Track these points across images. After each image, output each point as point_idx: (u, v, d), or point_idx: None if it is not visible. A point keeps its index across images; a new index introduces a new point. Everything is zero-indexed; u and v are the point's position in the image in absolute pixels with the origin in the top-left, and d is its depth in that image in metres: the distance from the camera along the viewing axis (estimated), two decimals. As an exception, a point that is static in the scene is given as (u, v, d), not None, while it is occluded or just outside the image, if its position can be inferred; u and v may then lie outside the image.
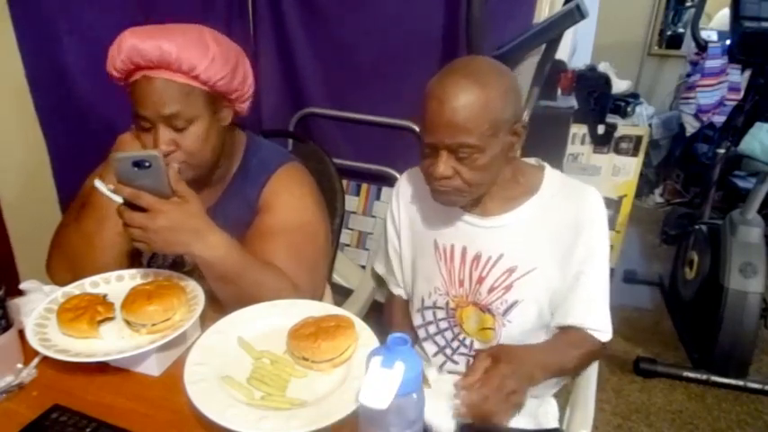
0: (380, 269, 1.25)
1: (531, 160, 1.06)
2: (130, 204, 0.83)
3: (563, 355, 0.99)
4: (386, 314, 1.25)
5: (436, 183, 0.92)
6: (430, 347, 1.10)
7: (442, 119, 0.85)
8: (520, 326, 1.01)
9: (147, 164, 0.80)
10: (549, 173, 1.02)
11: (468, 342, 1.06)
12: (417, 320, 1.11)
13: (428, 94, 0.88)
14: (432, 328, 1.09)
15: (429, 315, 1.09)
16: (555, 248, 0.97)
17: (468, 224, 1.02)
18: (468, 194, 0.94)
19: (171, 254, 1.08)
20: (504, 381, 0.84)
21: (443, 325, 1.07)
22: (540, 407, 1.09)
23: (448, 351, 1.08)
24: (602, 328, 1.00)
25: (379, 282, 1.31)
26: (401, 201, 1.13)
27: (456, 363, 1.07)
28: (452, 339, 1.07)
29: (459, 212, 1.03)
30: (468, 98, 0.84)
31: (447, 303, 1.05)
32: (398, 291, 1.19)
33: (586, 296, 0.99)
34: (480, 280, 1.01)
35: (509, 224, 0.99)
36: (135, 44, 0.89)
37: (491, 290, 1.00)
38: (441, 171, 0.89)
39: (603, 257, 0.99)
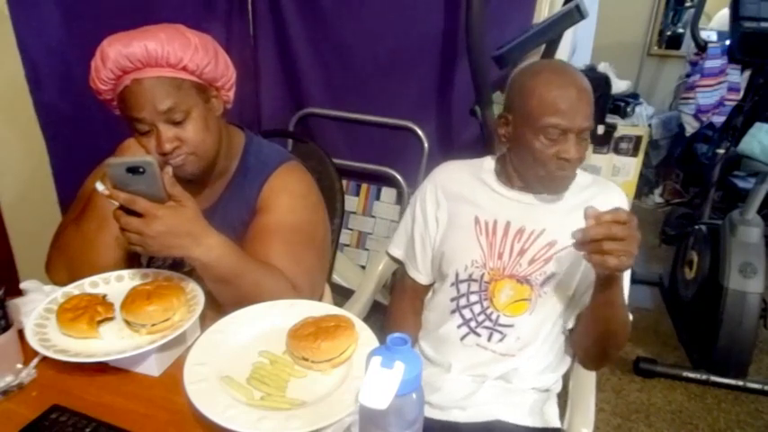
0: (399, 253, 1.29)
1: None
2: (126, 209, 0.83)
3: (624, 306, 1.05)
4: (392, 301, 1.31)
5: (566, 165, 1.02)
6: (455, 320, 1.14)
7: (579, 104, 0.99)
8: (553, 298, 1.09)
9: (141, 169, 0.80)
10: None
11: (494, 316, 1.11)
12: (452, 293, 1.15)
13: (556, 82, 1.00)
14: (462, 301, 1.14)
15: (463, 288, 1.13)
16: None
17: (513, 201, 1.12)
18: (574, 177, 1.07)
19: (168, 257, 1.09)
20: (628, 236, 0.85)
21: (474, 298, 1.13)
22: (543, 406, 1.10)
23: (473, 323, 1.12)
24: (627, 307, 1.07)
25: (382, 279, 1.35)
26: (438, 186, 1.20)
27: (479, 335, 1.11)
28: (479, 313, 1.12)
29: (505, 191, 1.13)
30: (588, 89, 1.01)
31: (482, 276, 1.11)
32: (416, 274, 1.24)
33: None
34: (522, 252, 1.09)
35: (550, 203, 1.10)
36: (120, 50, 0.90)
37: (532, 261, 1.08)
38: (574, 153, 1.00)
39: None
